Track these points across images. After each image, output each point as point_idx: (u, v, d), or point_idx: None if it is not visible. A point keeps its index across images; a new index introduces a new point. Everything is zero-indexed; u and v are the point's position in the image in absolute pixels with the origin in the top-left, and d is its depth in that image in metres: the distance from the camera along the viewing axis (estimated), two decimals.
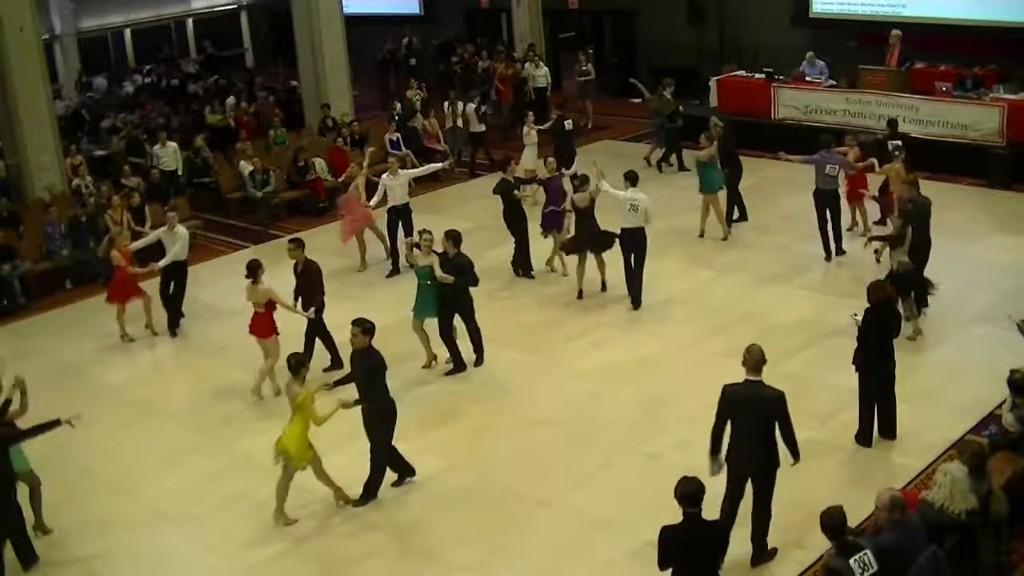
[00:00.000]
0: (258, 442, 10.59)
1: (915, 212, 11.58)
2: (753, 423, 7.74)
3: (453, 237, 11.49)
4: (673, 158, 18.42)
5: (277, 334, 11.31)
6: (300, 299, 11.48)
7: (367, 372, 9.03)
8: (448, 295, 11.34)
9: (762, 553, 8.11)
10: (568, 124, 17.63)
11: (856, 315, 9.60)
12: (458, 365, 11.62)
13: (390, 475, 9.45)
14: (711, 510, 8.65)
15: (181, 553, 8.97)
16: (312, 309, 11.38)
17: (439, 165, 16.29)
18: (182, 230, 13.35)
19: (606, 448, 9.92)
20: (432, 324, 11.56)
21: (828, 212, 13.61)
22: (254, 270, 11.18)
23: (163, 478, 10.06)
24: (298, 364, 9.00)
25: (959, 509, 6.83)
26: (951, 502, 6.84)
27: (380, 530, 8.99)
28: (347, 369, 9.59)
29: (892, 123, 15.34)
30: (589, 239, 12.93)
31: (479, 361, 11.69)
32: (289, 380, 9.02)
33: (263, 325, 11.25)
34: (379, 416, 9.07)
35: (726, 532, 6.60)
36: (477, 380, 11.49)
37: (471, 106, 19.78)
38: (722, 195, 15.01)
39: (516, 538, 8.72)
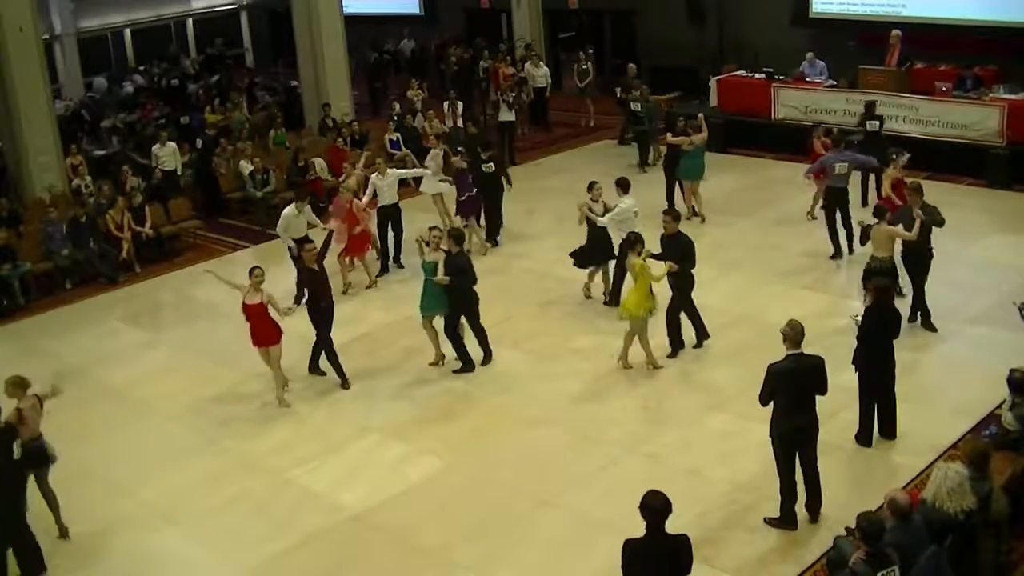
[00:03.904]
0: (258, 442, 10.63)
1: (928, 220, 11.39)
2: (802, 392, 8.20)
3: (455, 236, 11.55)
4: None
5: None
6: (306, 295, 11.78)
7: (681, 252, 11.14)
8: (453, 294, 11.39)
9: (816, 513, 8.47)
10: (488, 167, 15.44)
11: (856, 315, 9.60)
12: (466, 364, 11.64)
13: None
14: (719, 507, 8.69)
15: (182, 553, 8.97)
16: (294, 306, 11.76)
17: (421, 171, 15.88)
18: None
19: (607, 448, 9.92)
20: (441, 322, 11.63)
21: (838, 211, 13.63)
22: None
23: (164, 478, 10.06)
24: (636, 240, 11.11)
25: (956, 508, 6.83)
26: (942, 500, 6.84)
27: (381, 530, 9.00)
28: None
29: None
30: (600, 250, 12.80)
31: (487, 359, 11.73)
32: (630, 254, 11.10)
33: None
34: (685, 283, 11.32)
35: (689, 546, 6.41)
36: (478, 379, 11.49)
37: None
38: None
39: (516, 538, 8.72)
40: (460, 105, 19.95)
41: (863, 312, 9.42)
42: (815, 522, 8.46)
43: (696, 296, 11.42)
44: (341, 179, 16.86)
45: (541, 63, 22.46)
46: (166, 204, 17.04)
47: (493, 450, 10.10)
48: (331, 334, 11.49)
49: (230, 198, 18.26)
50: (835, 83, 18.55)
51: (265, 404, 11.31)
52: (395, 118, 19.60)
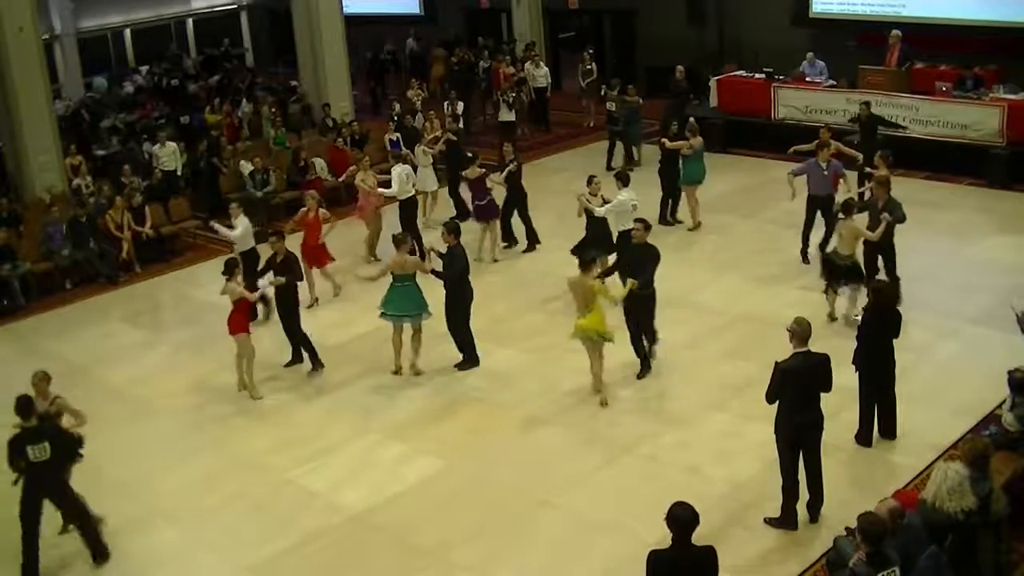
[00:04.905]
0: (257, 441, 10.64)
1: (892, 216, 11.53)
2: (808, 390, 8.17)
3: (451, 228, 11.61)
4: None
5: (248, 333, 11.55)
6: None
7: (645, 261, 10.79)
8: (449, 288, 11.43)
9: (817, 513, 8.47)
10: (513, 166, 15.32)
11: (856, 315, 9.61)
12: (470, 360, 11.68)
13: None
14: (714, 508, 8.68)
15: (182, 551, 8.97)
16: (273, 277, 11.74)
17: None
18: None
19: (606, 448, 9.92)
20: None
21: (820, 216, 13.47)
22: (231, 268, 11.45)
23: (164, 477, 10.07)
24: (590, 260, 10.72)
25: (956, 508, 6.83)
26: (942, 500, 6.84)
27: (380, 530, 8.99)
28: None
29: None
30: (600, 242, 12.79)
31: (465, 364, 11.69)
32: (579, 275, 10.44)
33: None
34: (648, 298, 10.89)
35: (715, 558, 6.32)
36: (477, 379, 11.49)
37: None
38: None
39: (516, 538, 8.71)
40: (460, 105, 19.94)
41: (863, 312, 9.43)
42: (815, 522, 8.46)
43: (695, 296, 11.42)
44: (342, 178, 16.94)
45: (541, 63, 22.44)
46: (166, 204, 17.05)
47: (492, 450, 10.10)
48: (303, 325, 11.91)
49: (230, 198, 18.23)
50: (835, 83, 18.56)
51: (264, 404, 11.33)
52: (395, 118, 19.57)
